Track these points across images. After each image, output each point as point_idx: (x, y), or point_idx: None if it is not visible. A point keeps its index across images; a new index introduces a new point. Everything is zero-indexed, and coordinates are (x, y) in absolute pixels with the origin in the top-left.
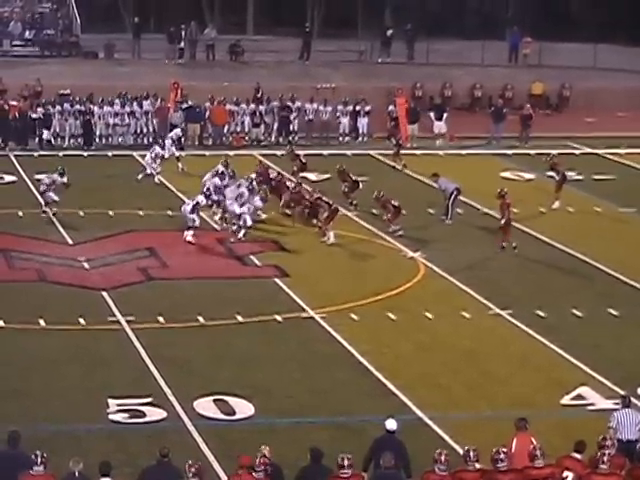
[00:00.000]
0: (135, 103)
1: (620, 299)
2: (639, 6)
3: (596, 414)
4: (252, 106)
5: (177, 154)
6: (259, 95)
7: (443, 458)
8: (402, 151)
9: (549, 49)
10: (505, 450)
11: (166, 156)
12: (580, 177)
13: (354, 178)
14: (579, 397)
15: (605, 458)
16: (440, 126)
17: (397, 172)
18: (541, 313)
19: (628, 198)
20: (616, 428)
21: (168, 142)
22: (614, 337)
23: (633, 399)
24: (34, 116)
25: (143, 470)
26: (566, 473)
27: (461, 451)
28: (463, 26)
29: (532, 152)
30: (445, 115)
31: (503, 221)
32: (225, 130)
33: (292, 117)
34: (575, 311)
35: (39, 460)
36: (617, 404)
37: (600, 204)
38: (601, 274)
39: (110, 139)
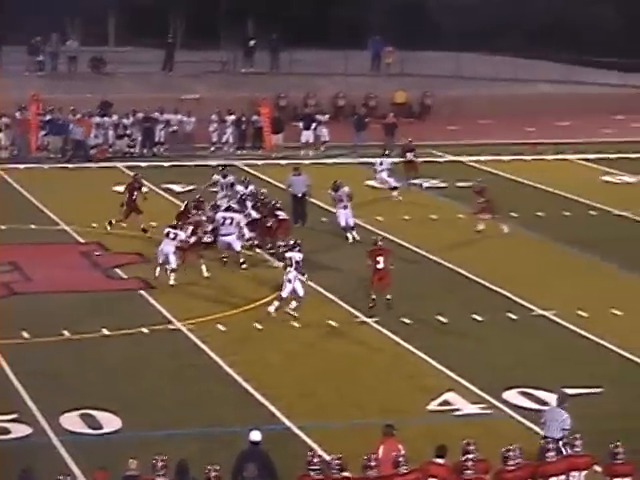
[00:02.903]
0: None
1: (484, 305)
2: (503, 15)
3: (462, 419)
4: (115, 117)
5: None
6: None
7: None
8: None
9: (411, 58)
10: (375, 457)
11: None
12: (444, 184)
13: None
14: (445, 403)
15: (469, 463)
16: (308, 135)
17: (261, 181)
18: (407, 320)
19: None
20: (544, 424)
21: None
22: (479, 342)
23: (500, 405)
24: None
25: None
26: None
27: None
28: (326, 36)
29: (397, 160)
30: (314, 125)
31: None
32: (90, 143)
33: (158, 129)
34: (440, 317)
35: None
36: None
37: (464, 211)
38: (464, 280)
39: None
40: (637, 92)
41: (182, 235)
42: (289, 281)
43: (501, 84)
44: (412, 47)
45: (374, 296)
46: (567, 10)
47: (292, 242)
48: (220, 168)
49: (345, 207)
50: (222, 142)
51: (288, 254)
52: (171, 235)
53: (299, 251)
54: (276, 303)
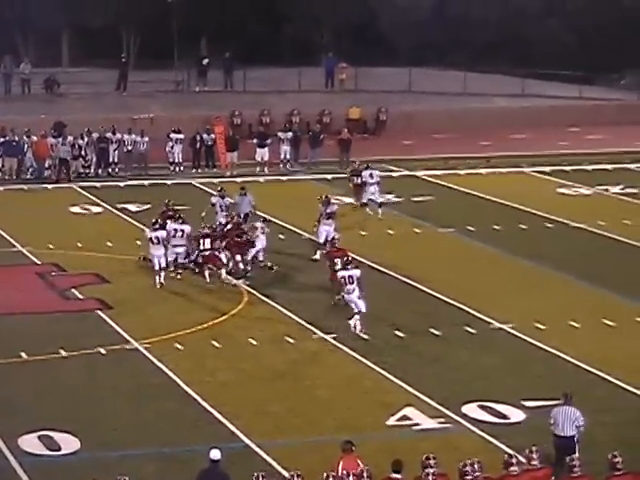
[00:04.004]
0: None
1: (442, 319)
2: (454, 30)
3: (422, 434)
4: (70, 138)
5: None
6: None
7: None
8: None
9: (365, 74)
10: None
11: None
12: (399, 199)
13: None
14: (404, 418)
15: (430, 478)
16: (263, 153)
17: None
18: (364, 336)
19: (446, 218)
20: (554, 424)
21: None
22: (437, 357)
23: (460, 419)
24: None
25: None
26: None
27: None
28: (279, 53)
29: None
30: (268, 142)
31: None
32: (46, 164)
33: (111, 149)
34: (398, 332)
35: None
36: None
37: (419, 225)
38: (422, 294)
39: None
40: (592, 104)
41: (164, 233)
42: (352, 302)
43: (454, 98)
44: (365, 63)
45: (338, 296)
46: (520, 24)
47: (345, 259)
48: (218, 189)
49: (330, 224)
50: (176, 161)
51: (346, 272)
52: (154, 240)
53: (356, 267)
54: (357, 318)
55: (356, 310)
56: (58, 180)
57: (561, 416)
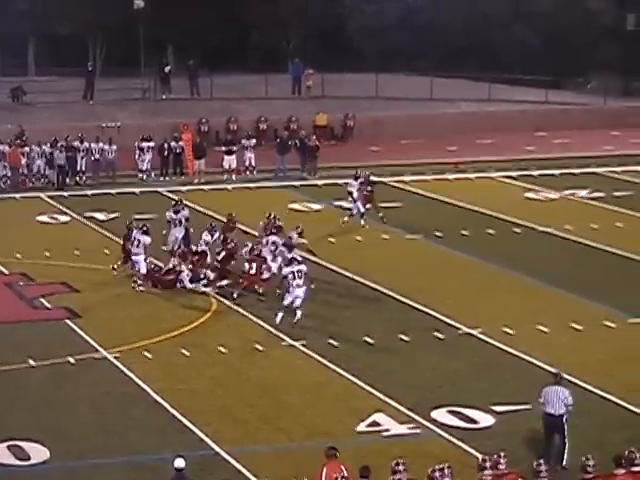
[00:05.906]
0: None
1: (411, 324)
2: (420, 36)
3: (392, 439)
4: (45, 148)
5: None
6: (24, 138)
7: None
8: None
9: (331, 80)
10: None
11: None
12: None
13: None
14: (374, 424)
15: None
16: (230, 160)
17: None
18: (334, 342)
19: (414, 225)
20: (544, 402)
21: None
22: (406, 362)
23: (429, 424)
24: None
25: None
26: None
27: None
28: (246, 60)
29: (320, 183)
30: (235, 148)
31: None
32: (20, 172)
33: (79, 157)
34: (367, 339)
35: None
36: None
37: (387, 231)
38: (391, 301)
39: None
40: (558, 109)
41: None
42: (297, 297)
43: (421, 104)
44: (332, 69)
45: (236, 293)
46: (486, 30)
47: (290, 257)
48: (172, 203)
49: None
50: (144, 169)
51: (294, 268)
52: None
53: (302, 263)
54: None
55: (297, 304)
56: (61, 187)
57: (551, 395)
